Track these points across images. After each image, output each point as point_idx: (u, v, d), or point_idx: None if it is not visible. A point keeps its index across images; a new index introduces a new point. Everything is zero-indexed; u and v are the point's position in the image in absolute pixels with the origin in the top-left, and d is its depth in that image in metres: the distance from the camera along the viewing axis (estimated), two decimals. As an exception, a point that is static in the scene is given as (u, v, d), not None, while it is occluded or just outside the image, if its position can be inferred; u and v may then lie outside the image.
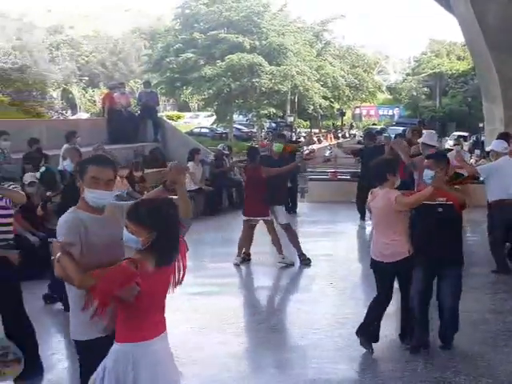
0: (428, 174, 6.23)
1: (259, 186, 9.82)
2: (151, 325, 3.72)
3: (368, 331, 6.27)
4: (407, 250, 6.07)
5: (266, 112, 48.63)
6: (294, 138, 26.87)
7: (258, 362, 6.38)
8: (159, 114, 21.66)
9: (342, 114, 57.41)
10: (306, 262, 10.00)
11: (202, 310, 7.90)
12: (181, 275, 3.83)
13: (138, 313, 3.65)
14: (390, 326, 6.65)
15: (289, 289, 9.35)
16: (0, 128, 11.68)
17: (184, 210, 4.05)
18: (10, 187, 6.02)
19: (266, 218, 9.98)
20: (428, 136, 9.77)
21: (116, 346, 3.70)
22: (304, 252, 10.06)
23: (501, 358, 6.21)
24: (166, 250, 3.65)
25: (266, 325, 7.29)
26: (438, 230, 6.05)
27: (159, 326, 3.78)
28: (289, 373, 5.96)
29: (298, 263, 9.99)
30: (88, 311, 3.68)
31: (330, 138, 51.47)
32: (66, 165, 9.38)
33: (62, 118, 32.19)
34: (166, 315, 3.83)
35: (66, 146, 11.84)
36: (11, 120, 17.71)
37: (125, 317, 3.68)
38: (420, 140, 9.55)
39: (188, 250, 4.00)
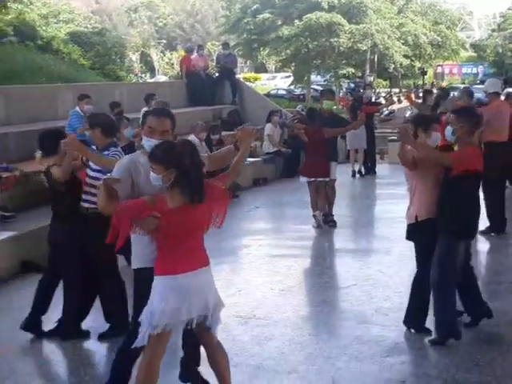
0: (449, 129, 5.72)
1: (321, 147, 9.73)
2: (178, 259, 3.95)
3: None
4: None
5: (344, 72, 47.83)
6: (373, 99, 26.34)
7: (338, 327, 6.29)
8: (237, 76, 21.59)
9: (424, 73, 55.80)
10: (331, 223, 10.06)
11: (282, 271, 7.86)
12: (217, 220, 4.09)
13: (163, 246, 3.96)
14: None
15: (369, 252, 9.18)
16: (82, 92, 11.84)
17: (234, 170, 4.44)
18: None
19: (328, 179, 10.03)
20: (490, 84, 9.44)
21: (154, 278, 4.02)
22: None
23: None
24: (185, 188, 3.88)
25: (347, 290, 7.18)
26: None
27: (190, 262, 3.97)
28: (368, 337, 5.84)
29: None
30: (142, 242, 4.11)
31: (412, 97, 50.32)
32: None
33: (141, 81, 32.58)
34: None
35: (145, 108, 11.92)
36: (92, 83, 17.99)
37: (157, 249, 4.00)
38: (483, 88, 9.29)
39: (229, 198, 4.27)
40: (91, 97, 11.34)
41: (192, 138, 10.98)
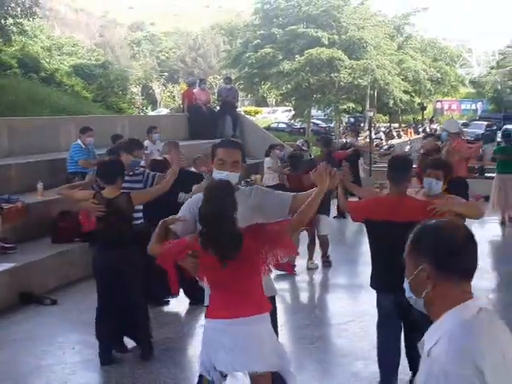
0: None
1: None
2: (217, 304, 3.81)
3: None
4: None
5: (344, 107, 48.17)
6: (372, 134, 26.46)
7: (334, 364, 6.28)
8: (238, 110, 21.76)
9: (423, 109, 56.23)
10: (326, 263, 9.89)
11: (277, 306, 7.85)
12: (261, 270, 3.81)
13: (209, 288, 3.89)
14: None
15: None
16: (84, 124, 11.93)
17: (302, 213, 4.02)
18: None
19: (307, 228, 9.34)
20: (451, 124, 9.71)
21: None
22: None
23: None
24: (208, 242, 3.71)
25: (343, 326, 7.18)
26: None
27: (226, 310, 3.74)
28: (365, 373, 5.83)
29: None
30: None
31: (410, 132, 50.60)
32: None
33: (142, 113, 32.80)
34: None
35: (146, 141, 12.03)
36: (94, 116, 18.13)
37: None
38: (442, 126, 9.63)
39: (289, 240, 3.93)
40: (93, 129, 11.43)
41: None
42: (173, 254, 3.72)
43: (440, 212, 4.95)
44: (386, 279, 5.04)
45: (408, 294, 2.30)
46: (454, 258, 2.17)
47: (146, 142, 12.38)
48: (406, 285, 2.30)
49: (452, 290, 2.18)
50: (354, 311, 7.67)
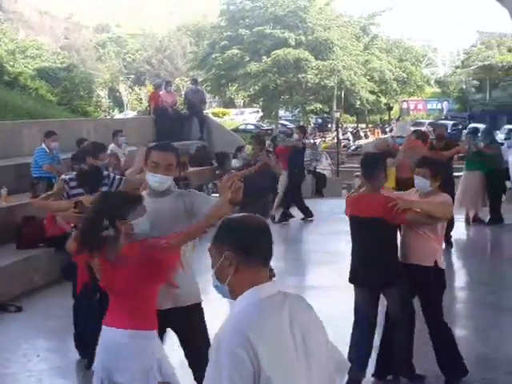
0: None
1: None
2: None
3: None
4: None
5: (312, 108, 48.40)
6: (339, 135, 26.55)
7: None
8: (205, 112, 21.69)
9: (390, 109, 56.69)
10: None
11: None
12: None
13: None
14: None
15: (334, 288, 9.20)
16: (48, 128, 11.78)
17: (195, 228, 4.07)
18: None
19: None
20: (401, 128, 9.82)
21: None
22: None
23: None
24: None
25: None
26: None
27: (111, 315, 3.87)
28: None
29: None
30: None
31: (378, 132, 50.99)
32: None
33: (109, 116, 32.57)
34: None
35: (112, 145, 11.92)
36: (59, 120, 17.94)
37: None
38: (393, 133, 9.67)
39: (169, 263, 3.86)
40: (57, 133, 11.28)
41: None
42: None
43: (401, 208, 5.11)
44: (357, 273, 5.48)
45: (214, 283, 2.50)
46: (252, 246, 2.43)
47: (112, 146, 12.26)
48: (212, 275, 2.50)
49: (251, 275, 2.42)
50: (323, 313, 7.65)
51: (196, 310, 4.36)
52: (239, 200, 3.92)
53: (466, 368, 5.51)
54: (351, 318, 5.59)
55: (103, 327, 3.87)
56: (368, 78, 48.25)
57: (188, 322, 4.31)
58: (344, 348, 6.47)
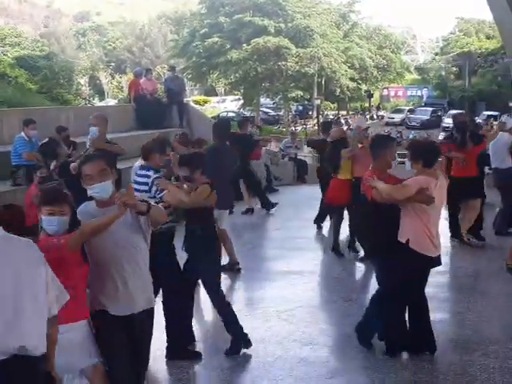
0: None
1: None
2: None
3: None
4: None
5: (293, 95, 48.42)
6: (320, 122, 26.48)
7: (283, 349, 6.34)
8: (186, 99, 21.63)
9: (370, 96, 56.90)
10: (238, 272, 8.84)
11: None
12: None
13: None
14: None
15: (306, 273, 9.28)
16: (27, 116, 11.72)
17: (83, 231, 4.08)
18: None
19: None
20: (359, 121, 9.78)
21: None
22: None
23: None
24: None
25: (292, 312, 7.27)
26: None
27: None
28: (313, 358, 5.93)
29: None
30: None
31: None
32: (92, 132, 8.64)
33: (89, 104, 32.40)
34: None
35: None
36: (38, 108, 17.84)
37: None
38: (352, 126, 9.63)
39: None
40: (36, 121, 11.23)
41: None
42: None
43: (371, 186, 5.66)
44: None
45: None
46: None
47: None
48: None
49: None
50: (302, 297, 7.75)
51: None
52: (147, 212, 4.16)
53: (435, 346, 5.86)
54: (329, 301, 5.66)
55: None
56: (348, 65, 48.34)
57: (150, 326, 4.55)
58: (328, 328, 6.62)
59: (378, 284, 5.98)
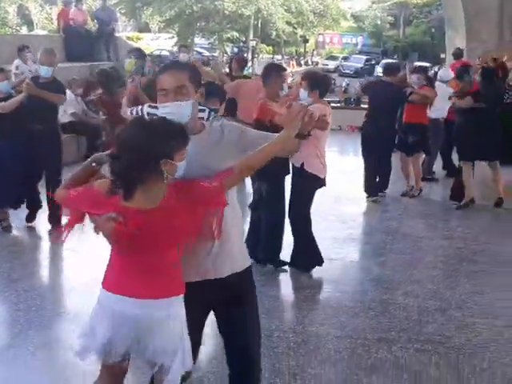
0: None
1: None
2: (124, 275, 2.95)
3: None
4: None
5: (228, 36, 47.76)
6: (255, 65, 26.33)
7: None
8: (119, 35, 21.05)
9: (306, 41, 56.67)
10: None
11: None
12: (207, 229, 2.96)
13: (115, 255, 3.00)
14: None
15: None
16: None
17: (251, 163, 3.03)
18: None
19: None
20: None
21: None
22: None
23: (449, 282, 6.32)
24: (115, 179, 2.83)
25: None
26: None
27: (137, 286, 2.91)
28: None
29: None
30: None
31: (293, 64, 50.98)
32: (44, 71, 7.49)
33: (16, 33, 31.20)
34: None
35: (17, 60, 11.50)
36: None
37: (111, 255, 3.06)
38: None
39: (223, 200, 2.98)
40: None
41: (69, 93, 10.63)
42: (85, 205, 2.83)
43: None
44: None
45: None
46: None
47: (17, 62, 11.84)
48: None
49: None
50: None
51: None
52: (309, 135, 3.08)
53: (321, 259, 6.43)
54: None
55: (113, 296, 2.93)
56: (285, 8, 47.89)
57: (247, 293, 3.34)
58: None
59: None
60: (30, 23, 57.02)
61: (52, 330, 5.17)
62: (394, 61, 28.41)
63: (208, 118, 3.22)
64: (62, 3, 23.77)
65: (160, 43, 56.75)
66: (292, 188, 6.39)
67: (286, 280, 6.46)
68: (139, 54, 8.44)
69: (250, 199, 7.53)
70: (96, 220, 2.81)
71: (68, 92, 10.98)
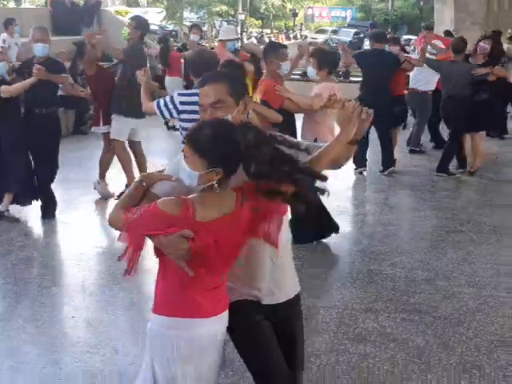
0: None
1: None
2: (200, 297, 2.64)
3: None
4: None
5: (217, 9, 47.42)
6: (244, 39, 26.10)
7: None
8: (108, 9, 20.86)
9: (295, 15, 56.27)
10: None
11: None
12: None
13: (184, 278, 2.59)
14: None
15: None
16: None
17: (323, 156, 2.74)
18: None
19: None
20: (226, 31, 9.70)
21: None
22: None
23: (436, 253, 6.37)
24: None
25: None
26: None
27: (212, 303, 2.68)
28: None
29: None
30: None
31: (282, 38, 50.68)
32: (39, 50, 6.90)
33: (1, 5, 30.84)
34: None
35: (3, 34, 11.39)
36: None
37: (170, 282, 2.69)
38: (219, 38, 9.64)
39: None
40: None
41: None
42: (147, 229, 2.47)
43: (281, 94, 6.02)
44: None
45: None
46: None
47: (4, 35, 11.74)
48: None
49: None
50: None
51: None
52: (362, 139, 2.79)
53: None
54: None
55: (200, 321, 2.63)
56: (274, -20, 47.60)
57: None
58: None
59: None
60: (16, -3, 56.36)
61: (41, 303, 5.18)
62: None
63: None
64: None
65: (149, 17, 56.24)
66: None
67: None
68: (138, 23, 7.92)
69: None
70: (163, 241, 2.45)
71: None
